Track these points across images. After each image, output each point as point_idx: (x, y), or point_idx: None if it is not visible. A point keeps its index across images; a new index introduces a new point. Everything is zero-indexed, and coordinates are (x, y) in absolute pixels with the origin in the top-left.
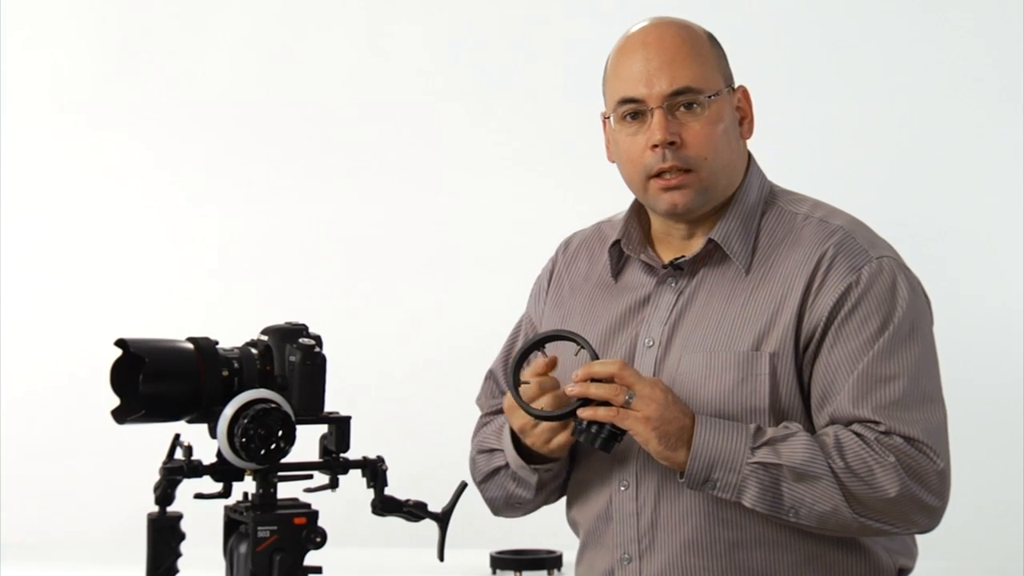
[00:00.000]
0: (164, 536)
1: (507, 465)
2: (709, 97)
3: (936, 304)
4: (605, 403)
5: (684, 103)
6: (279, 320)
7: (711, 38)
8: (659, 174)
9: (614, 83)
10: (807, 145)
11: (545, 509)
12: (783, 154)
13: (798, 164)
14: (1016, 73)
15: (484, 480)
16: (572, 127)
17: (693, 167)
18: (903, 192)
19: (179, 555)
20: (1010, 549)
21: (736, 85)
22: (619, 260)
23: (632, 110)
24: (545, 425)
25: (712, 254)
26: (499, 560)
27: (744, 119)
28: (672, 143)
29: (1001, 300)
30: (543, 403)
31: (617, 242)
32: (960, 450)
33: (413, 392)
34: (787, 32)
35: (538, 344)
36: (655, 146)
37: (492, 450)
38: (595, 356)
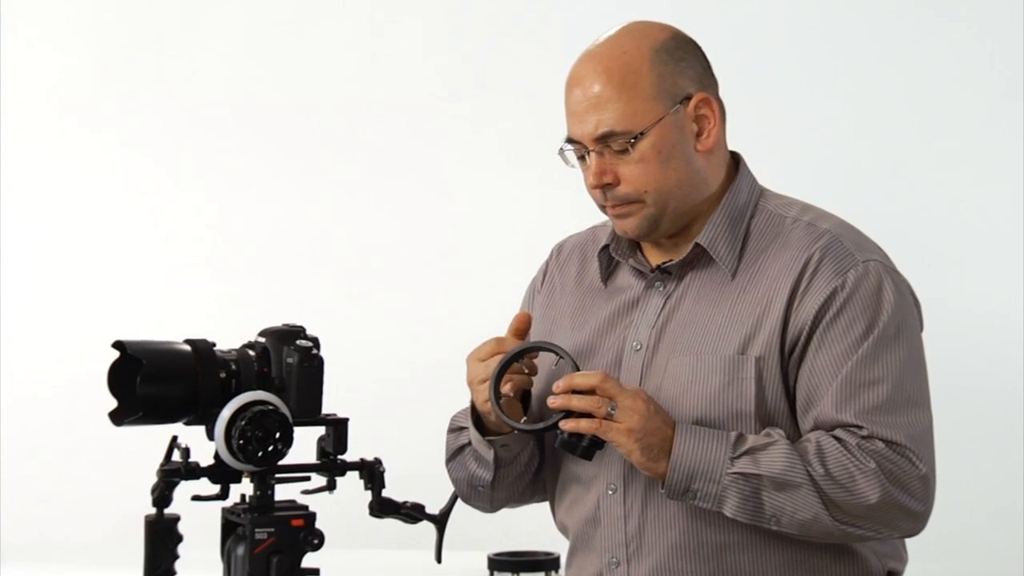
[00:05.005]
0: (162, 538)
1: (470, 443)
2: (635, 138)
3: (934, 307)
4: (587, 414)
5: (612, 144)
6: (277, 322)
7: (659, 52)
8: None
9: (565, 117)
10: (802, 146)
11: (543, 511)
12: (779, 155)
13: (794, 165)
14: (1016, 73)
15: (450, 459)
16: None
17: (634, 200)
18: (901, 194)
19: (177, 557)
20: (1006, 552)
21: (694, 93)
22: (609, 265)
23: (576, 147)
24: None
25: (699, 257)
26: (497, 562)
27: (703, 130)
28: (608, 184)
29: (1000, 303)
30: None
31: (606, 247)
32: (957, 453)
33: (411, 394)
34: (783, 32)
35: (517, 356)
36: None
37: (460, 428)
38: (575, 367)
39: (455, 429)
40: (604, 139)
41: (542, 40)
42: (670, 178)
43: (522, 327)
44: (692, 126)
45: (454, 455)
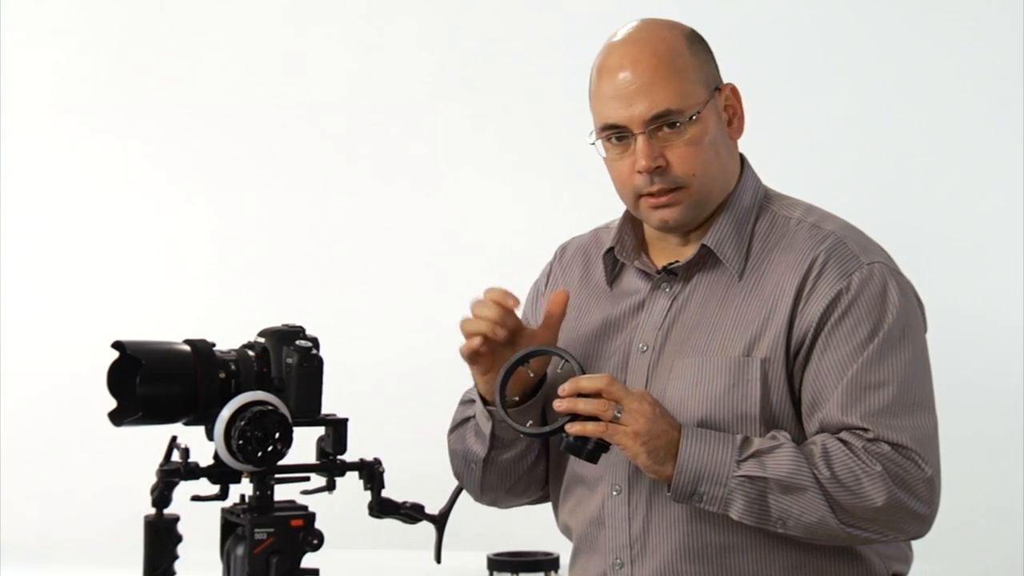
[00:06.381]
0: (161, 538)
1: (474, 416)
2: (691, 117)
3: (935, 308)
4: (593, 418)
5: (666, 124)
6: (276, 322)
7: (692, 42)
8: (649, 193)
9: (597, 106)
10: (804, 147)
11: (542, 511)
12: (779, 156)
13: (795, 166)
14: (1016, 75)
15: (453, 429)
16: (572, 129)
17: (683, 185)
18: (903, 195)
19: (176, 557)
20: (1008, 552)
21: (722, 84)
22: (614, 267)
23: (616, 134)
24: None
25: (706, 259)
26: (496, 562)
27: (733, 117)
28: (658, 167)
29: (1001, 303)
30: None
31: (611, 249)
32: (959, 454)
33: (410, 394)
34: (783, 33)
35: (523, 359)
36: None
37: (471, 401)
38: (581, 370)
39: (465, 401)
40: (659, 119)
41: (541, 40)
42: (714, 163)
43: (557, 310)
44: (724, 115)
45: (457, 426)
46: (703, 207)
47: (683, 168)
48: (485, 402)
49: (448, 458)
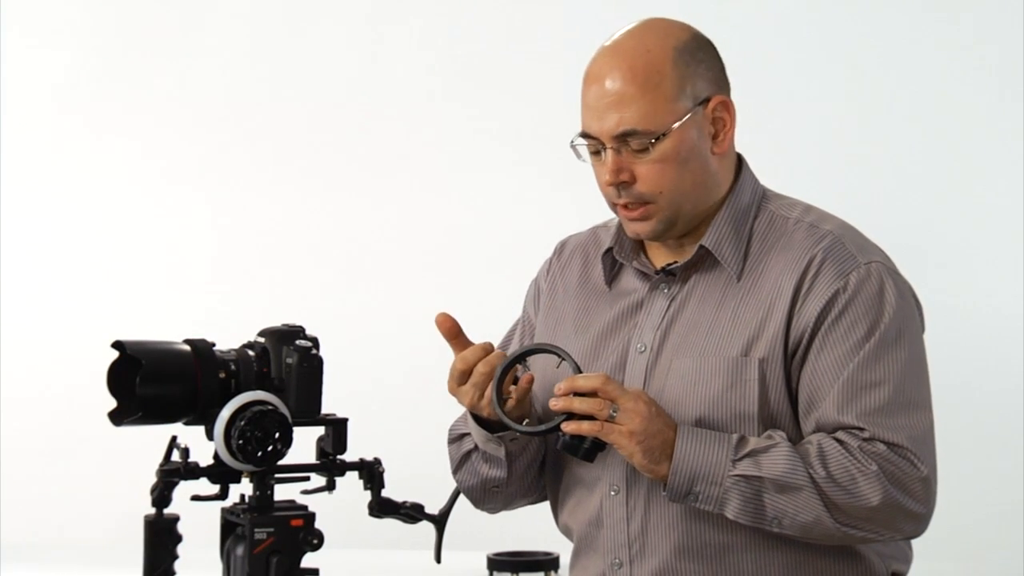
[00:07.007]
0: (161, 538)
1: (476, 448)
2: (656, 138)
3: (934, 308)
4: (589, 417)
5: (632, 142)
6: (276, 322)
7: (682, 52)
8: (621, 204)
9: (581, 111)
10: (804, 147)
11: (542, 511)
12: (779, 156)
13: (795, 166)
14: (1016, 75)
15: (458, 468)
16: (572, 128)
17: (649, 201)
18: (901, 195)
19: (176, 557)
20: (1008, 552)
21: (714, 96)
22: (612, 267)
23: (591, 143)
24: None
25: (704, 259)
26: (496, 562)
27: (720, 131)
28: (624, 181)
29: (1001, 303)
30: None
31: (610, 249)
32: (959, 453)
33: (410, 394)
34: (783, 33)
35: (520, 358)
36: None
37: (461, 436)
38: (577, 369)
39: (455, 439)
40: (624, 137)
41: (542, 39)
42: (686, 180)
43: (454, 328)
44: (709, 128)
45: (461, 463)
46: (673, 220)
47: (648, 186)
48: (487, 427)
49: (448, 461)
